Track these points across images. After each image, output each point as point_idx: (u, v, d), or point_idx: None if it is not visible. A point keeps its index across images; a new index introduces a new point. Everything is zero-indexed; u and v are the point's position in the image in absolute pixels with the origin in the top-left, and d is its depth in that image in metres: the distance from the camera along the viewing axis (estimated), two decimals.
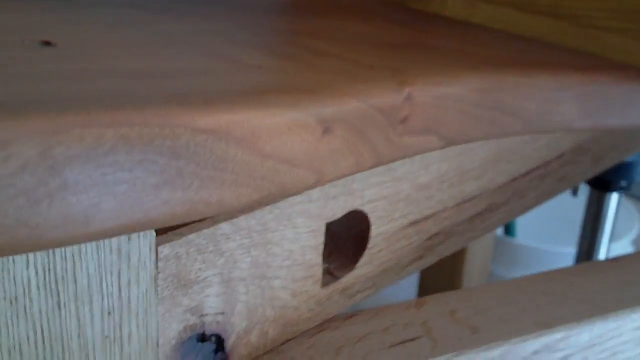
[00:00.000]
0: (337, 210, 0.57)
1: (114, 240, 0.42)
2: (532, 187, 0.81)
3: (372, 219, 0.61)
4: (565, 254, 1.73)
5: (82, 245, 0.41)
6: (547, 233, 2.01)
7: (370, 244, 0.62)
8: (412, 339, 0.60)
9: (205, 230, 0.48)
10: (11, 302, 0.39)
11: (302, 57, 0.49)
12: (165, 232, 0.47)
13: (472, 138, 0.56)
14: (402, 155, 0.48)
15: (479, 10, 0.77)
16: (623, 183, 1.23)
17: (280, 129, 0.38)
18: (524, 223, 1.98)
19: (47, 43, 0.42)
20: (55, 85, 0.35)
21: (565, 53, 0.69)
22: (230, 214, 0.49)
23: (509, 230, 1.88)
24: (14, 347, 0.40)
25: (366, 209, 0.60)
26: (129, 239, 0.43)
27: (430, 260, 0.69)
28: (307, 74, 0.44)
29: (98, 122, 0.30)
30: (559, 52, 0.69)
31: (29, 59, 0.39)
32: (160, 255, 0.46)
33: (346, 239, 0.62)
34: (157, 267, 0.46)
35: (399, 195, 0.62)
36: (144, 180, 0.32)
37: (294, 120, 0.39)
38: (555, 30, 0.72)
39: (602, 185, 1.25)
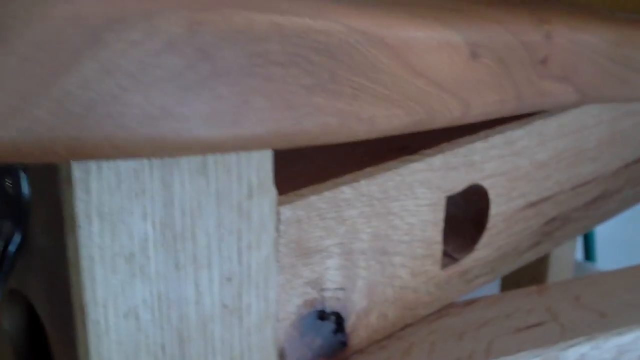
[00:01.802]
0: (457, 182, 0.53)
1: (235, 195, 0.38)
2: None
3: (492, 196, 0.57)
4: None
5: (202, 199, 0.37)
6: (629, 257, 1.93)
7: (489, 225, 0.57)
8: (539, 324, 0.55)
9: (327, 193, 0.44)
10: (126, 259, 0.36)
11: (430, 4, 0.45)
12: (285, 191, 0.43)
13: (604, 95, 0.51)
14: (541, 101, 0.44)
15: None
16: None
17: (431, 44, 0.34)
18: (604, 247, 1.91)
19: None
20: None
21: None
22: (352, 177, 0.45)
23: (589, 255, 1.82)
24: (130, 311, 0.37)
25: (486, 184, 0.56)
26: (250, 195, 0.39)
27: (547, 247, 0.64)
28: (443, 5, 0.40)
29: (247, 5, 0.26)
30: None
31: None
32: (282, 218, 0.42)
33: (463, 218, 0.58)
34: (278, 231, 0.42)
35: (518, 171, 0.58)
36: (297, 78, 0.28)
37: (444, 37, 0.35)
38: None
39: None
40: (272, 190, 0.40)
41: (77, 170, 0.31)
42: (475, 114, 0.38)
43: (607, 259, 1.91)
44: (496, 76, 0.39)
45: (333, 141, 0.32)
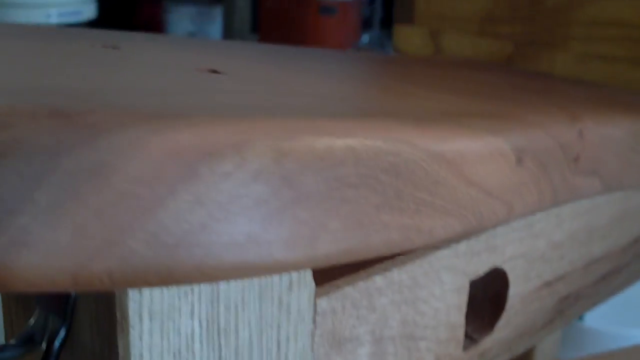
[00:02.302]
0: (479, 267, 0.53)
1: (276, 289, 0.39)
2: None
3: (511, 277, 0.57)
4: (637, 336, 1.67)
5: (245, 294, 0.38)
6: (617, 314, 1.95)
7: (507, 305, 0.58)
8: None
9: (360, 283, 0.44)
10: (174, 356, 0.36)
11: (466, 91, 0.46)
12: (322, 283, 0.43)
13: (625, 184, 0.52)
14: (572, 196, 0.45)
15: (592, 67, 0.75)
16: None
17: (483, 154, 0.35)
18: None
19: (215, 72, 0.39)
20: (241, 98, 0.32)
21: None
22: (384, 267, 0.46)
23: None
24: None
25: (506, 267, 0.56)
26: (290, 288, 0.39)
27: (560, 324, 0.65)
28: (482, 104, 0.41)
29: (326, 130, 0.27)
30: None
31: (206, 82, 0.36)
32: (318, 309, 0.42)
33: (482, 299, 0.59)
34: (314, 322, 0.42)
35: (535, 253, 0.59)
36: (367, 198, 0.29)
37: (494, 146, 0.36)
38: None
39: None
40: (311, 283, 0.41)
41: None
42: (517, 215, 0.39)
43: (595, 316, 1.92)
44: (536, 178, 0.40)
45: (392, 253, 0.33)
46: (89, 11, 3.80)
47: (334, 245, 0.28)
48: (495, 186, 0.37)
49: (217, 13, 4.44)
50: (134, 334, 0.34)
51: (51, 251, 0.23)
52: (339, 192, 0.28)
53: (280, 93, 0.36)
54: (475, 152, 0.35)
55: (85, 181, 0.23)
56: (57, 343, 0.38)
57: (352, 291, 0.44)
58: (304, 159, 0.27)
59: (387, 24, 4.90)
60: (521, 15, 0.79)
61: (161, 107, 0.26)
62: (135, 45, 0.47)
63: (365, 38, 4.87)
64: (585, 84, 0.68)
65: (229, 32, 3.85)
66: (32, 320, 0.39)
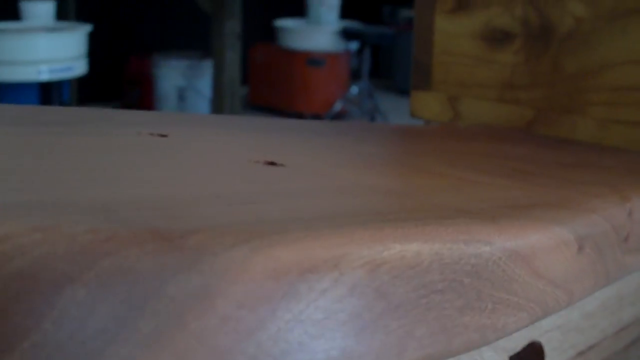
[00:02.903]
0: (518, 341, 0.53)
1: None
2: None
3: (547, 350, 0.57)
4: None
5: None
6: None
7: None
8: None
9: None
10: None
11: (512, 174, 0.46)
12: None
13: None
14: (622, 275, 0.45)
15: (613, 132, 0.75)
16: None
17: (550, 245, 0.35)
18: None
19: (272, 163, 0.39)
20: (314, 201, 0.32)
21: None
22: None
23: None
24: None
25: (542, 339, 0.56)
26: None
27: None
28: (535, 190, 0.41)
29: (414, 237, 0.27)
30: None
31: (273, 179, 0.36)
32: None
33: None
34: None
35: (570, 324, 0.58)
36: (452, 302, 0.29)
37: (560, 237, 0.35)
38: None
39: None
40: None
41: None
42: (576, 300, 0.39)
43: None
44: (594, 263, 0.40)
45: (471, 350, 0.32)
46: (80, 67, 3.81)
47: (419, 352, 0.28)
48: (560, 276, 0.36)
49: (207, 67, 4.45)
50: None
51: None
52: (426, 298, 0.28)
53: (343, 189, 0.35)
54: (545, 245, 0.34)
55: (188, 307, 0.23)
56: None
57: None
58: (396, 268, 0.27)
59: (376, 74, 4.94)
60: (541, 82, 0.79)
61: (254, 222, 0.26)
62: (180, 131, 0.46)
63: (355, 89, 4.91)
64: (612, 153, 0.68)
65: (219, 86, 3.87)
66: None
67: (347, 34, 4.72)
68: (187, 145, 0.43)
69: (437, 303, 0.28)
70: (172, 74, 4.60)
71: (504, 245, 0.31)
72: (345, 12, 5.13)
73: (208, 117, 0.60)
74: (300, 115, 4.78)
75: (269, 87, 5.01)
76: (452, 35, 0.84)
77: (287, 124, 0.63)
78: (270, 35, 5.09)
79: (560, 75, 0.78)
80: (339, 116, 4.79)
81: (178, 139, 0.43)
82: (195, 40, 4.93)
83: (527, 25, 0.80)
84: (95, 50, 4.02)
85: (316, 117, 4.71)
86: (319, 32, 4.87)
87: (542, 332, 0.55)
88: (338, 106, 4.74)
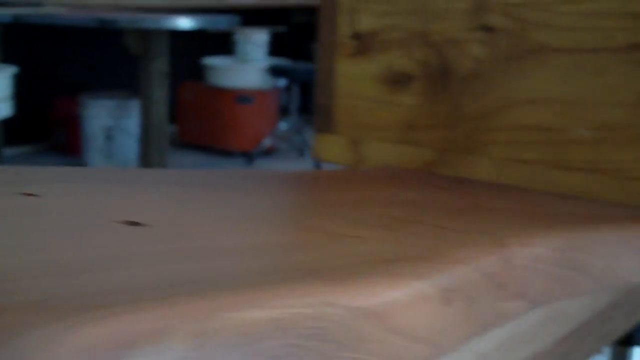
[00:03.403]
0: None
1: None
2: (575, 347, 0.77)
3: None
4: None
5: None
6: None
7: None
8: None
9: None
10: None
11: (389, 224, 0.46)
12: None
13: (551, 299, 0.53)
14: (499, 322, 0.45)
15: (512, 170, 0.75)
16: None
17: (408, 301, 0.34)
18: None
19: (135, 223, 0.38)
20: (162, 267, 0.31)
21: (614, 207, 0.67)
22: None
23: None
24: None
25: None
26: None
27: None
28: (407, 242, 0.41)
29: (251, 303, 0.26)
30: (609, 207, 0.67)
31: (126, 242, 0.35)
32: None
33: None
34: None
35: None
36: None
37: (420, 291, 0.35)
38: (597, 185, 0.70)
39: (625, 340, 1.20)
40: None
41: None
42: (446, 351, 0.39)
43: None
44: (465, 314, 0.40)
45: None
46: (5, 109, 3.76)
47: None
48: (421, 330, 0.36)
49: (134, 106, 4.42)
50: None
51: None
52: None
53: (205, 251, 0.35)
54: (400, 301, 0.34)
55: None
56: None
57: None
58: (227, 338, 0.26)
59: (305, 110, 4.95)
60: (441, 123, 0.80)
61: (81, 295, 0.25)
62: (53, 189, 0.46)
63: (284, 125, 4.92)
64: (508, 193, 0.69)
65: (146, 125, 3.84)
66: None
67: (275, 71, 4.72)
68: (55, 205, 0.42)
69: None
70: (99, 114, 4.56)
71: (350, 304, 0.31)
72: (274, 49, 5.14)
73: (82, 172, 0.59)
74: (229, 153, 4.77)
75: (198, 125, 4.99)
76: (354, 79, 0.85)
77: (162, 175, 0.63)
78: (199, 73, 5.07)
79: (460, 116, 0.78)
80: (268, 152, 4.79)
81: (49, 198, 0.43)
82: (123, 80, 4.89)
83: (427, 67, 0.81)
84: (22, 91, 3.97)
85: (245, 153, 4.71)
86: (247, 69, 4.87)
87: None
88: (267, 142, 4.74)
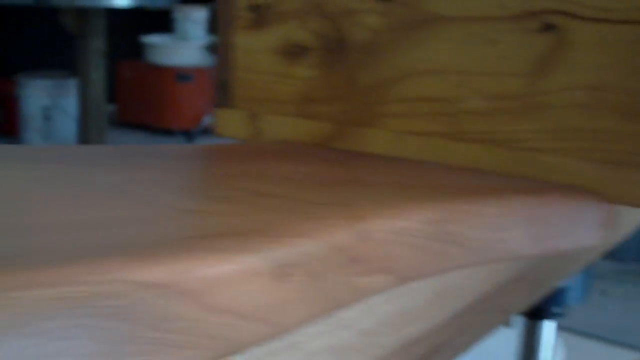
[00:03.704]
0: None
1: None
2: (473, 322, 0.77)
3: None
4: None
5: None
6: None
7: None
8: None
9: None
10: None
11: (245, 198, 0.44)
12: None
13: (424, 274, 0.52)
14: (358, 297, 0.44)
15: (408, 143, 0.74)
16: (557, 310, 1.19)
17: (233, 278, 0.33)
18: None
19: None
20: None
21: (503, 178, 0.67)
22: None
23: None
24: None
25: None
26: None
27: None
28: (253, 216, 0.40)
29: (36, 280, 0.25)
30: (497, 178, 0.66)
31: None
32: None
33: None
34: None
35: (343, 343, 0.57)
36: (87, 348, 0.27)
37: (249, 266, 0.34)
38: (491, 156, 0.70)
39: (535, 313, 1.21)
40: None
41: None
42: (285, 329, 0.38)
43: None
44: (308, 289, 0.39)
45: None
46: None
47: None
48: (250, 307, 0.35)
49: (72, 86, 4.36)
50: None
51: None
52: (46, 348, 0.26)
53: (30, 227, 0.34)
54: (223, 277, 0.33)
55: None
56: None
57: None
58: (4, 319, 0.25)
59: None
60: (338, 95, 0.79)
61: None
62: None
63: None
64: (399, 166, 0.68)
65: (85, 104, 3.79)
66: None
67: (215, 49, 4.69)
68: None
69: (66, 349, 0.27)
70: (36, 94, 4.50)
71: (156, 282, 0.30)
72: (213, 27, 5.10)
73: None
74: (169, 131, 4.74)
75: (137, 104, 4.95)
76: (252, 52, 0.83)
77: (45, 152, 0.61)
78: (138, 52, 5.03)
79: (357, 88, 0.77)
80: (208, 130, 4.78)
81: None
82: (61, 60, 4.83)
83: (323, 38, 0.80)
84: None
85: (186, 132, 4.68)
86: (186, 47, 4.83)
87: (308, 353, 0.54)
88: (207, 120, 4.71)
